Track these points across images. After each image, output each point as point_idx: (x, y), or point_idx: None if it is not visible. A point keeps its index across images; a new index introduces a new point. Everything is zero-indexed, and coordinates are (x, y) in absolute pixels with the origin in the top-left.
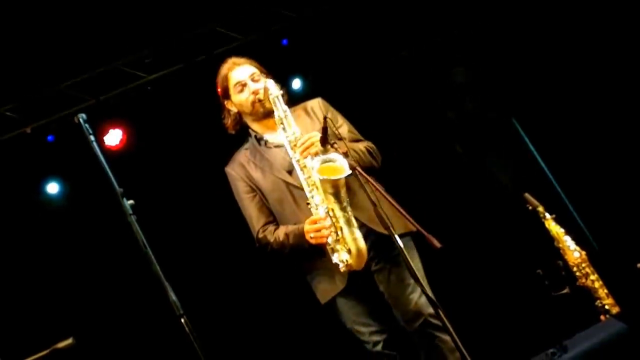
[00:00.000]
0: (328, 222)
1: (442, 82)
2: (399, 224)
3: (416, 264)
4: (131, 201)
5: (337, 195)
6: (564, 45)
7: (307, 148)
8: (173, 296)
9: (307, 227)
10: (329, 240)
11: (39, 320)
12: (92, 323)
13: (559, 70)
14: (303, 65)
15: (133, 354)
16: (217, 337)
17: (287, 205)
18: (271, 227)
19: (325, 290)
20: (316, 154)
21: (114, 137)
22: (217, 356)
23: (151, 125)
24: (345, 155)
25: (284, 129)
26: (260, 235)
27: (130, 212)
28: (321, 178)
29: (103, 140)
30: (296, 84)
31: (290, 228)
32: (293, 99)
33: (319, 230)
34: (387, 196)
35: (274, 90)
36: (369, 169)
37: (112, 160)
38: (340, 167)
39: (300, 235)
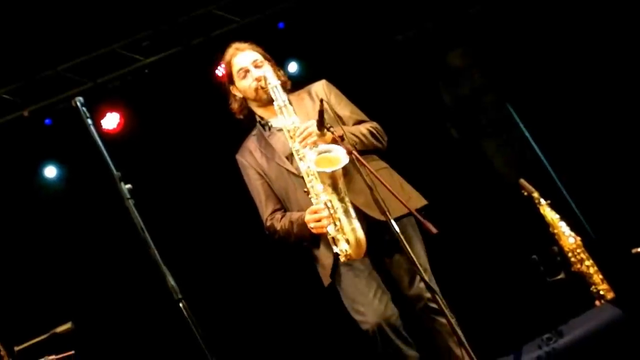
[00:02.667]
0: (327, 212)
1: (438, 66)
2: (398, 205)
3: (417, 246)
4: (129, 185)
5: (334, 186)
6: (558, 30)
7: (305, 138)
8: (171, 281)
9: (307, 217)
10: (330, 230)
11: (38, 304)
12: (90, 308)
13: (554, 55)
14: (299, 49)
15: (132, 338)
16: (216, 321)
17: (291, 192)
18: (278, 215)
19: (323, 274)
20: (314, 144)
21: (111, 121)
22: (216, 341)
23: (148, 109)
24: (342, 138)
25: (283, 118)
26: (268, 224)
27: (128, 196)
28: (318, 170)
29: (100, 124)
30: (292, 67)
31: (295, 216)
32: (291, 83)
33: (318, 220)
34: (382, 180)
35: (272, 80)
36: (373, 150)
37: (109, 143)
38: (336, 157)
39: (303, 224)
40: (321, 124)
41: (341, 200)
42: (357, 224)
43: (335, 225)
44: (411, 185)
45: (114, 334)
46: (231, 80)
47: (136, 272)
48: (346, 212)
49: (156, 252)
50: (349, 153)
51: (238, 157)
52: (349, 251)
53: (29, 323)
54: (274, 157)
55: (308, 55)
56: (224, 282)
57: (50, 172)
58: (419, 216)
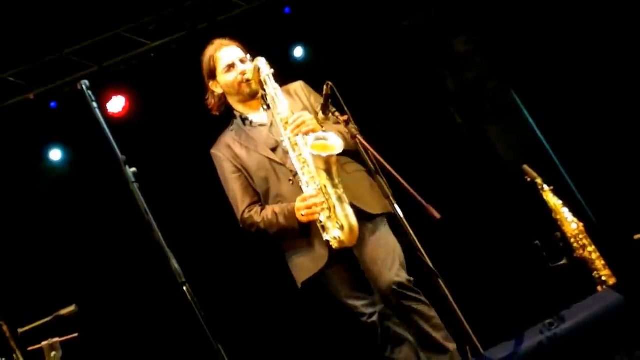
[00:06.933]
0: (320, 199)
1: (443, 51)
2: (378, 203)
3: (393, 244)
4: (134, 169)
5: (329, 172)
6: (561, 16)
7: (299, 126)
8: (175, 264)
9: (298, 204)
10: (321, 217)
11: (43, 287)
12: (94, 291)
13: (557, 41)
14: (305, 34)
15: (135, 321)
16: (220, 305)
17: (272, 183)
18: (257, 208)
19: (305, 269)
20: (307, 133)
21: (116, 104)
22: (219, 324)
23: (153, 93)
24: (347, 123)
25: (275, 106)
26: (246, 216)
27: (133, 179)
28: (314, 154)
29: (106, 107)
30: (298, 52)
31: (279, 208)
32: (295, 67)
33: (310, 207)
34: (387, 165)
35: (265, 69)
36: (349, 152)
37: (114, 127)
38: (333, 145)
39: (291, 214)
40: (326, 107)
41: (335, 186)
42: (350, 210)
43: (329, 211)
44: (414, 171)
45: (117, 317)
46: (212, 76)
47: (140, 255)
48: (340, 198)
49: (160, 235)
50: (353, 137)
51: (213, 151)
52: (342, 237)
53: (33, 305)
54: (257, 148)
55: (314, 40)
56: (227, 266)
57: (55, 155)
58: (423, 202)
